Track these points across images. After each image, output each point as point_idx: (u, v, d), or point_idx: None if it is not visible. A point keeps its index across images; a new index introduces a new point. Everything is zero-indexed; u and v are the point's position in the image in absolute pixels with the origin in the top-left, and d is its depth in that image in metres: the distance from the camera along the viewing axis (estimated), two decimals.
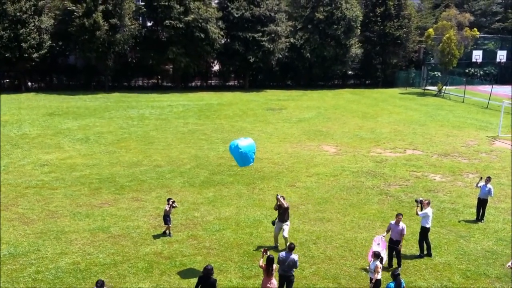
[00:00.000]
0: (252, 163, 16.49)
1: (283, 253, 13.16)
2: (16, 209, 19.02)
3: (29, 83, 53.38)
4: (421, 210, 15.99)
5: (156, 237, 16.91)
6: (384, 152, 29.23)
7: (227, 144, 29.61)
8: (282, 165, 25.99)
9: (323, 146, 30.39)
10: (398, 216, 15.19)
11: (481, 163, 27.16)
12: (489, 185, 19.01)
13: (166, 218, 16.93)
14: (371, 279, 13.24)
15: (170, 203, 16.97)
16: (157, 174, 23.82)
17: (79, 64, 55.31)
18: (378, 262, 13.00)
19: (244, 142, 16.05)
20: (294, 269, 13.12)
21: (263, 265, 12.70)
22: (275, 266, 12.61)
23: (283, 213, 16.08)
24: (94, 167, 24.80)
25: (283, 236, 16.00)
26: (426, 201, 16.23)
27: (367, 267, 14.72)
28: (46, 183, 22.13)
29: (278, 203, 16.16)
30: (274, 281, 12.61)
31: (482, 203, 19.08)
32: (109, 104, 43.79)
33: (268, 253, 12.81)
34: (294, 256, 13.00)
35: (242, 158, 16.00)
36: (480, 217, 19.10)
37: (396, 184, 23.31)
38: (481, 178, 19.59)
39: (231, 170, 24.70)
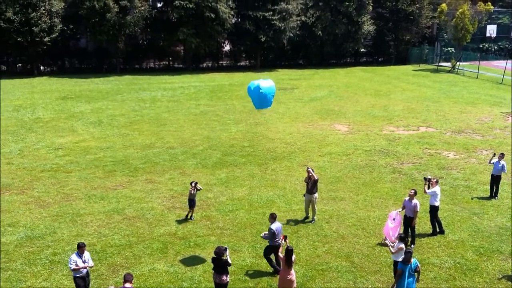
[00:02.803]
0: (269, 107, 16.28)
1: (278, 226, 13.55)
2: (32, 193, 19.29)
3: (41, 67, 53.66)
4: (429, 188, 15.94)
5: (170, 218, 17.07)
6: (397, 130, 29.07)
7: (239, 125, 29.85)
8: (294, 145, 25.99)
9: (335, 125, 30.29)
10: (411, 191, 15.18)
11: (495, 140, 26.93)
12: (502, 162, 18.88)
13: (191, 201, 16.81)
14: (394, 262, 12.95)
15: (193, 185, 16.77)
16: (170, 156, 23.96)
17: (90, 47, 55.49)
18: (402, 245, 12.73)
19: (265, 83, 15.78)
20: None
21: (282, 256, 12.44)
22: (294, 257, 12.32)
23: (312, 185, 16.62)
24: (108, 150, 25.00)
25: (313, 208, 16.76)
26: (435, 180, 16.18)
27: (384, 241, 14.75)
28: (60, 167, 22.37)
29: (309, 175, 16.63)
30: (293, 272, 12.32)
31: (495, 180, 18.97)
32: (121, 86, 43.92)
33: (287, 240, 12.64)
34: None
35: (261, 99, 15.73)
36: (494, 194, 19.01)
37: (409, 162, 23.23)
38: (494, 154, 19.46)
39: (244, 151, 24.77)
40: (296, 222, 16.85)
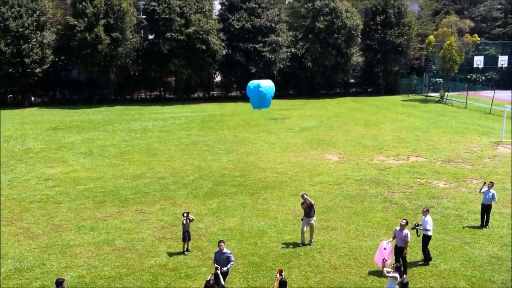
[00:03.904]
0: (267, 108, 16.34)
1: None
2: (21, 224, 19.07)
3: (32, 98, 53.62)
4: (418, 232, 16.00)
5: (160, 249, 16.91)
6: (387, 159, 29.22)
7: (230, 154, 29.89)
8: (285, 174, 26.01)
9: (326, 154, 30.41)
10: (402, 221, 15.21)
11: (485, 169, 27.12)
12: (492, 191, 19.00)
13: (185, 233, 16.49)
14: None
15: (185, 216, 16.50)
16: (160, 186, 23.87)
17: (82, 78, 55.61)
18: (397, 274, 12.69)
19: (265, 83, 15.86)
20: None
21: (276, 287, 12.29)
22: None
23: (309, 209, 17.10)
24: (98, 180, 24.87)
25: (311, 230, 17.22)
26: (425, 209, 16.33)
27: (380, 269, 14.63)
28: (50, 197, 22.20)
29: (307, 202, 17.08)
30: None
31: (486, 209, 19.04)
32: (112, 117, 43.96)
33: (283, 274, 12.58)
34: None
35: (261, 98, 15.78)
36: (484, 223, 19.06)
37: (400, 191, 23.29)
38: (485, 183, 19.58)
39: (235, 181, 24.74)
40: (288, 252, 16.75)
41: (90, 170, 26.79)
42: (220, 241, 14.15)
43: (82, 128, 38.27)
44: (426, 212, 16.19)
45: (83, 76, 55.27)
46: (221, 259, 13.76)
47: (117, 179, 25.10)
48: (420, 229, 15.93)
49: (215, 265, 13.36)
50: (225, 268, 13.63)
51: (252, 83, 15.80)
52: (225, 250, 13.97)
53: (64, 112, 46.55)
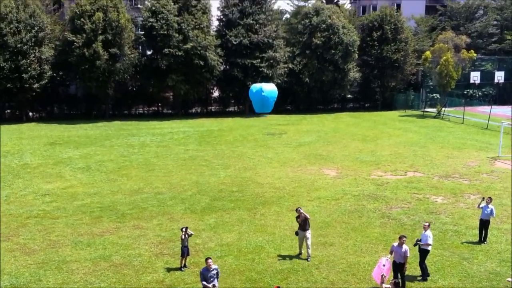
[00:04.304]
0: (269, 111, 16.40)
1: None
2: (17, 240, 18.97)
3: (30, 113, 53.72)
4: (417, 244, 16.04)
5: (158, 265, 16.82)
6: (385, 174, 29.22)
7: (228, 169, 29.86)
8: (283, 189, 25.98)
9: (324, 169, 30.40)
10: (402, 238, 15.17)
11: (483, 184, 27.13)
12: (490, 206, 18.98)
13: (183, 248, 16.36)
14: None
15: (184, 231, 16.38)
16: (158, 201, 23.80)
17: (80, 93, 55.80)
18: None
19: (268, 87, 15.90)
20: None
21: None
22: None
23: (304, 223, 17.28)
24: (95, 195, 24.80)
25: (307, 244, 17.27)
26: (427, 224, 16.36)
27: (378, 285, 14.60)
28: (47, 213, 22.11)
29: (302, 216, 17.32)
30: None
31: (484, 224, 19.00)
32: (110, 132, 43.97)
33: None
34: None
35: (263, 102, 15.83)
36: (483, 238, 19.01)
37: (397, 206, 23.26)
38: (483, 199, 19.56)
39: (232, 196, 24.70)
40: (286, 268, 16.67)
41: (88, 185, 26.72)
42: (207, 258, 14.01)
43: (79, 143, 38.24)
44: (427, 226, 16.23)
45: (81, 91, 55.47)
46: (209, 276, 13.68)
47: (115, 194, 25.03)
48: (421, 244, 15.91)
49: (211, 286, 13.32)
50: (216, 284, 13.59)
51: (255, 86, 15.88)
52: (213, 266, 13.88)
53: (62, 127, 46.56)
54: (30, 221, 21.00)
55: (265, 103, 15.61)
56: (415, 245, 15.97)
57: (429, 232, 16.13)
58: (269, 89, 15.56)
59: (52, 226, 20.46)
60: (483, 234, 19.02)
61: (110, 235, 19.53)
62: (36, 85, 48.59)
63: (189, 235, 16.66)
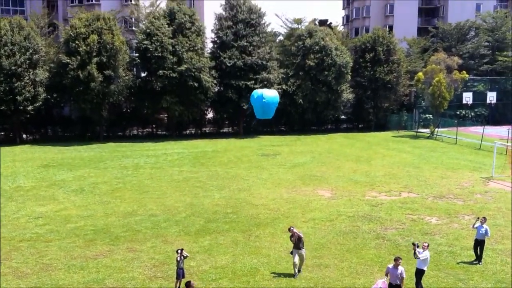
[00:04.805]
0: (270, 117, 16.42)
1: None
2: (9, 263, 18.77)
3: (24, 135, 53.64)
4: (415, 254, 15.99)
5: None
6: (379, 195, 29.23)
7: (223, 191, 29.79)
8: (278, 211, 25.91)
9: (319, 190, 30.39)
10: (397, 260, 15.12)
11: (477, 204, 27.17)
12: (485, 226, 19.01)
13: (179, 271, 16.19)
14: None
15: (179, 252, 16.26)
16: (152, 224, 23.67)
17: (74, 115, 55.83)
18: None
19: (269, 93, 15.91)
20: None
21: None
22: None
23: (298, 242, 17.42)
24: (89, 218, 24.65)
25: (301, 262, 17.59)
26: (426, 244, 16.37)
27: None
28: (40, 236, 21.93)
29: (296, 235, 17.48)
30: None
31: (479, 244, 19.00)
32: (103, 154, 43.88)
33: None
34: None
35: (264, 108, 15.82)
36: (478, 259, 18.98)
37: (392, 227, 23.23)
38: (478, 218, 19.59)
39: (227, 218, 24.60)
40: None
41: (81, 207, 26.57)
42: (188, 282, 13.82)
43: (73, 166, 38.12)
44: (426, 247, 16.21)
45: (75, 113, 55.51)
46: None
47: (108, 216, 24.89)
48: (417, 250, 15.88)
49: None
50: None
51: (256, 92, 15.98)
52: None
53: (55, 149, 46.44)
54: (23, 245, 20.81)
55: (266, 109, 15.63)
56: (414, 254, 16.01)
57: (426, 253, 16.10)
58: (270, 95, 15.64)
59: (45, 249, 20.28)
60: (479, 254, 19.01)
61: (103, 258, 19.37)
62: (30, 107, 48.62)
63: (185, 257, 16.54)
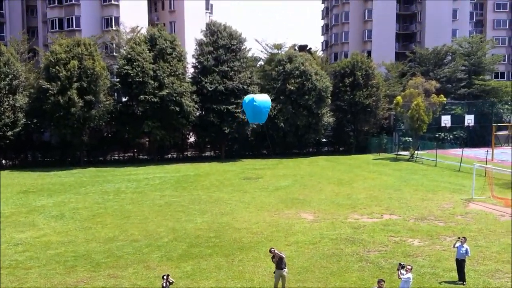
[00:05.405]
0: (263, 122, 16.48)
1: None
2: None
3: (4, 161, 52.88)
4: (401, 275, 16.08)
5: None
6: (361, 217, 29.36)
7: (205, 215, 29.66)
8: (261, 234, 25.85)
9: (301, 213, 30.42)
10: (380, 282, 15.17)
11: (458, 226, 27.43)
12: (465, 245, 19.24)
13: None
14: None
15: (165, 278, 16.02)
16: (133, 249, 23.42)
17: (54, 140, 55.32)
18: None
19: (259, 97, 15.94)
20: None
21: None
22: None
23: (279, 262, 17.58)
24: (69, 244, 24.30)
25: (283, 283, 17.69)
26: (410, 267, 16.48)
27: None
28: (20, 263, 21.54)
29: (277, 255, 17.61)
30: None
31: (460, 264, 19.18)
32: (84, 179, 43.46)
33: None
34: None
35: (255, 112, 15.79)
36: (461, 279, 19.11)
37: (375, 250, 23.31)
38: (459, 238, 19.86)
39: (210, 242, 24.46)
40: None
41: (61, 233, 26.20)
42: None
43: (53, 191, 37.66)
44: (409, 270, 16.33)
45: (55, 138, 55.01)
46: None
47: (89, 242, 24.57)
48: (400, 271, 16.01)
49: None
50: None
51: (248, 97, 16.07)
52: None
53: (35, 174, 45.89)
54: (2, 272, 20.39)
55: (257, 113, 15.66)
56: (398, 269, 16.25)
57: (410, 275, 16.21)
58: (262, 99, 15.71)
59: (25, 276, 19.91)
60: (461, 274, 19.16)
61: (84, 285, 19.08)
62: (9, 133, 48.12)
63: (170, 283, 16.35)
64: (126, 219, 29.26)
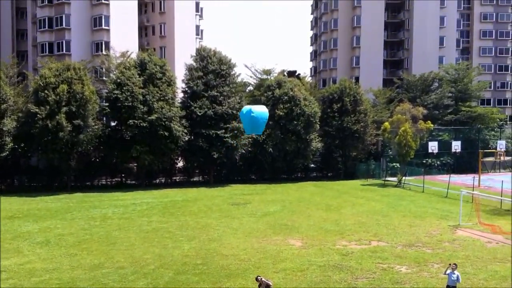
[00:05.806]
0: (260, 134, 16.49)
1: None
2: None
3: None
4: None
5: None
6: (349, 244, 29.31)
7: (193, 241, 29.45)
8: (248, 261, 25.68)
9: (289, 240, 30.30)
10: None
11: (445, 253, 27.44)
12: (456, 272, 19.28)
13: None
14: None
15: None
16: (119, 277, 23.13)
17: (41, 165, 54.95)
18: None
19: (257, 108, 15.90)
20: None
21: None
22: None
23: None
24: (54, 271, 23.95)
25: None
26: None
27: None
28: None
29: (264, 283, 17.45)
30: None
31: None
32: (71, 204, 43.07)
33: None
34: None
35: (253, 123, 15.74)
36: None
37: (363, 277, 23.23)
38: (449, 265, 19.90)
39: (197, 269, 24.24)
40: None
41: (46, 260, 25.84)
42: None
43: (39, 217, 37.25)
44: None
45: (42, 163, 54.64)
46: None
47: (74, 269, 24.24)
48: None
49: None
50: None
51: (245, 108, 16.09)
52: None
53: (21, 200, 45.41)
54: None
55: (254, 124, 15.70)
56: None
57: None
58: (259, 110, 15.77)
59: None
60: None
61: None
62: None
63: None
64: (112, 245, 28.96)
